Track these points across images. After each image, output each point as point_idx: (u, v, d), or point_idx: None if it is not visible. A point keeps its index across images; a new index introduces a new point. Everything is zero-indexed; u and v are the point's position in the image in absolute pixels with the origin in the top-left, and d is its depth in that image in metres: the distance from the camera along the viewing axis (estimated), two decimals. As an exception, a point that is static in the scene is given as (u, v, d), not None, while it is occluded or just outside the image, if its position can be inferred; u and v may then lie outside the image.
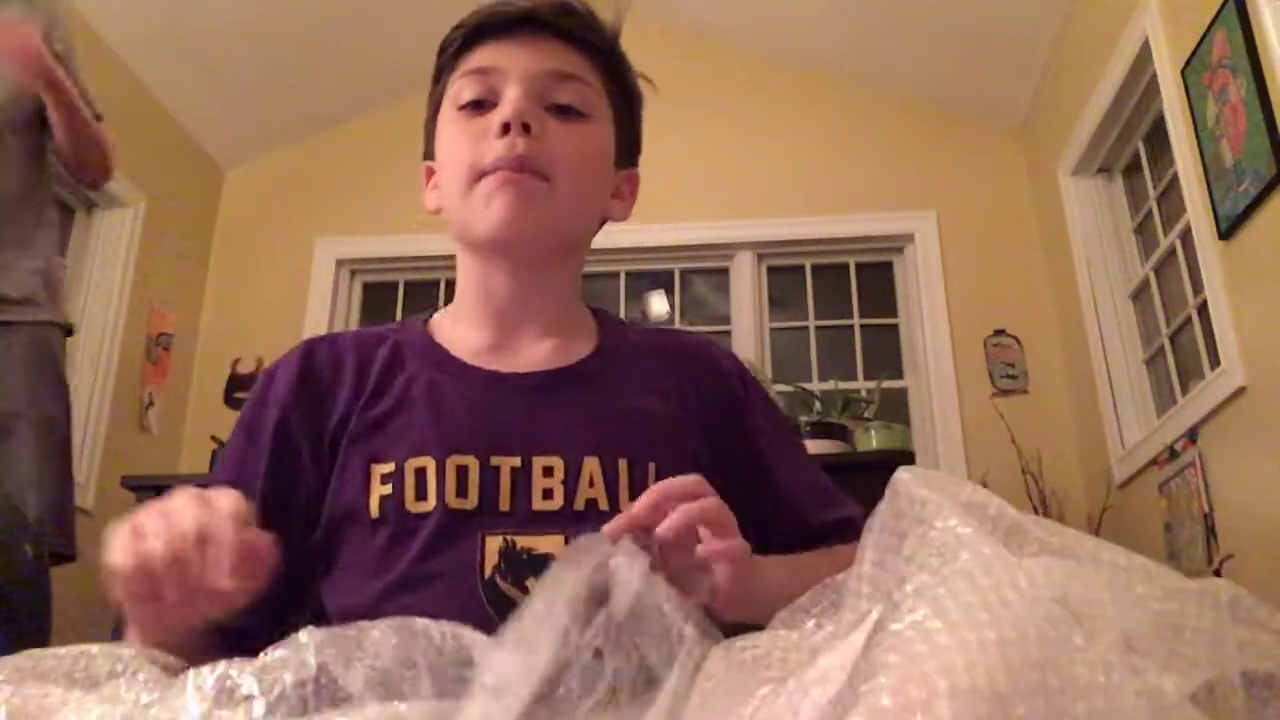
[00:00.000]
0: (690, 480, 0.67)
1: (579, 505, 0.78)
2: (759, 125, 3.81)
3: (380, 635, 0.51)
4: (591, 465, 0.79)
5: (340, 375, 0.84)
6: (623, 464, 0.80)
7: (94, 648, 0.54)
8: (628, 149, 0.93)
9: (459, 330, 0.88)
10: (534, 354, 0.86)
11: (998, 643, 0.36)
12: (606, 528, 0.64)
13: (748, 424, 0.89)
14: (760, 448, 0.88)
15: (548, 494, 0.78)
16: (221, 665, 0.47)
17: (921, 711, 0.35)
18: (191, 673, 0.48)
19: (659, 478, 0.78)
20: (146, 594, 0.59)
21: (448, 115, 0.85)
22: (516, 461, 0.79)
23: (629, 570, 0.56)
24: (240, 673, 0.47)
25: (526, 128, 0.80)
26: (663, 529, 0.64)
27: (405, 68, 3.55)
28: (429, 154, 0.90)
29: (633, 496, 0.77)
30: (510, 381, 0.84)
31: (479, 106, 0.83)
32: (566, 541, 0.75)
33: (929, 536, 0.43)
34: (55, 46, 1.89)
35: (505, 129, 0.80)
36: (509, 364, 0.85)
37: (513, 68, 0.83)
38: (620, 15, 0.91)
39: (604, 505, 0.78)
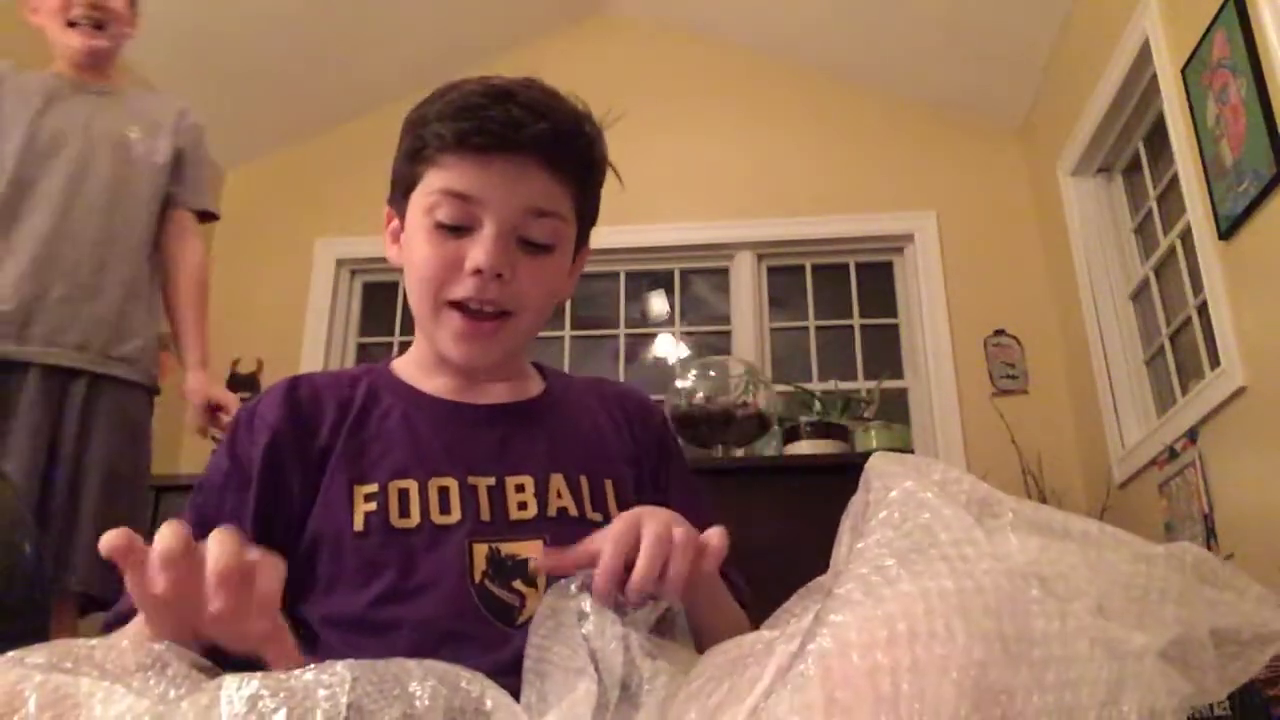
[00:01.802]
0: (662, 535, 0.70)
1: (552, 512, 0.86)
2: (759, 125, 3.81)
3: (418, 683, 0.52)
4: (558, 480, 0.87)
5: (322, 408, 0.90)
6: (584, 479, 0.88)
7: (125, 640, 0.55)
8: (583, 236, 0.95)
9: (423, 375, 0.94)
10: (493, 392, 0.94)
11: (956, 591, 0.38)
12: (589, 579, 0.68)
13: (669, 468, 0.99)
14: (664, 487, 0.97)
15: (522, 506, 0.85)
16: (256, 681, 0.48)
17: (884, 649, 0.37)
18: (227, 681, 0.48)
19: (617, 492, 0.90)
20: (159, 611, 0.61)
21: (421, 223, 0.87)
22: (491, 481, 0.86)
23: (604, 638, 0.59)
24: (274, 696, 0.46)
25: (497, 276, 0.85)
26: (630, 588, 0.68)
27: (406, 69, 3.55)
28: (392, 200, 0.93)
29: (594, 507, 0.88)
30: (478, 413, 0.92)
31: (456, 231, 0.86)
32: (546, 542, 0.83)
33: (890, 498, 0.45)
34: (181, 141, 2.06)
35: (477, 273, 0.84)
36: (470, 399, 0.93)
37: (492, 201, 0.85)
38: (603, 134, 0.92)
39: (573, 512, 0.86)
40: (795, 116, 3.81)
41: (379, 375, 0.95)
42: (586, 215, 0.94)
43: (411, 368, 0.95)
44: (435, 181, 0.86)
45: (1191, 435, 2.49)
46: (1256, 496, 2.22)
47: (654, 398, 1.10)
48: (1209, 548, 2.38)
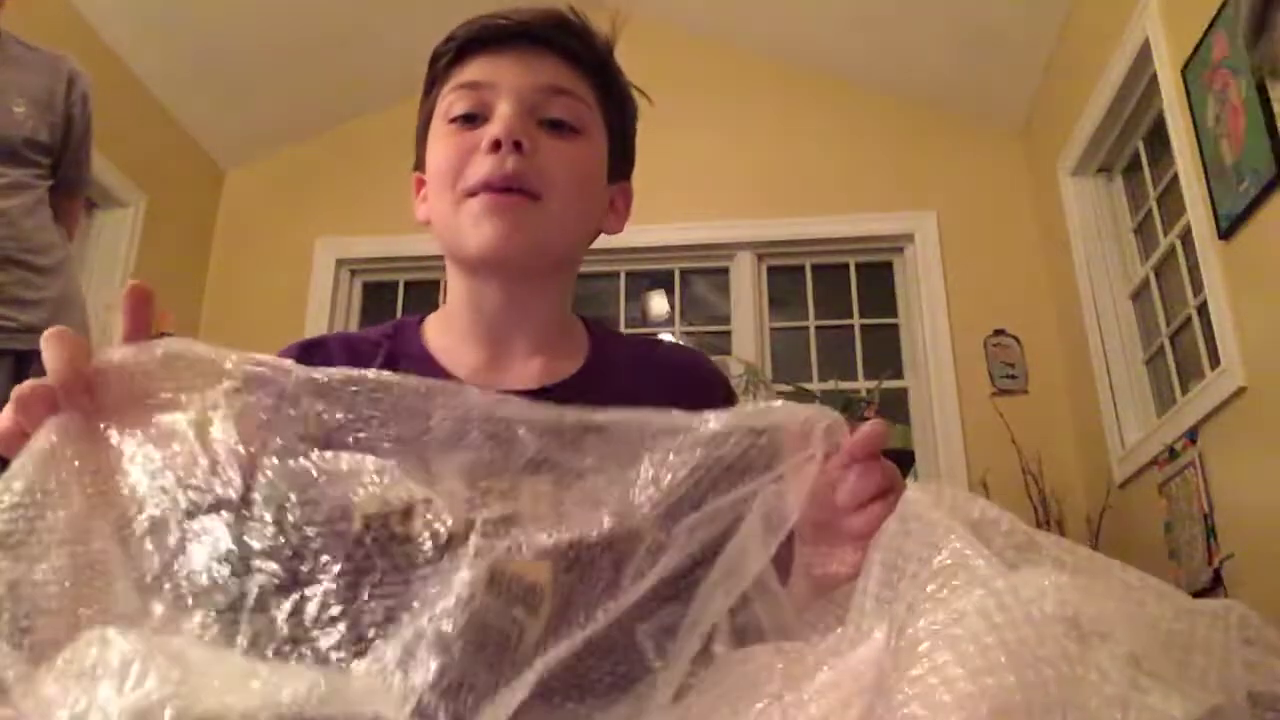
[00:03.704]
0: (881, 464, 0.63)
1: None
2: (759, 125, 3.81)
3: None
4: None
5: None
6: None
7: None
8: (620, 163, 0.91)
9: (451, 342, 0.87)
10: (524, 371, 0.85)
11: (1018, 686, 0.37)
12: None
13: None
14: None
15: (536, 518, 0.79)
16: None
17: None
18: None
19: None
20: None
21: (439, 128, 0.84)
22: (505, 485, 0.78)
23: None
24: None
25: (518, 145, 0.79)
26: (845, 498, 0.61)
27: (406, 68, 3.54)
28: (419, 165, 0.89)
29: (620, 524, 0.80)
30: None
31: (470, 120, 0.81)
32: (555, 568, 0.75)
33: (938, 564, 0.44)
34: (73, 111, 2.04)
35: (496, 146, 0.78)
36: (499, 381, 0.84)
37: (505, 82, 0.81)
38: (616, 29, 0.90)
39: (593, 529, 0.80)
40: (795, 116, 3.81)
41: (404, 339, 0.88)
42: (615, 130, 0.89)
43: (440, 332, 0.88)
44: (449, 88, 0.83)
45: (1191, 435, 2.49)
46: (1256, 496, 2.22)
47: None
48: (1209, 548, 2.37)
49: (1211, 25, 2.30)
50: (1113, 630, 0.40)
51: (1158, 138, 2.85)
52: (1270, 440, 2.15)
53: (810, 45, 3.74)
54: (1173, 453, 2.59)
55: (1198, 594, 2.36)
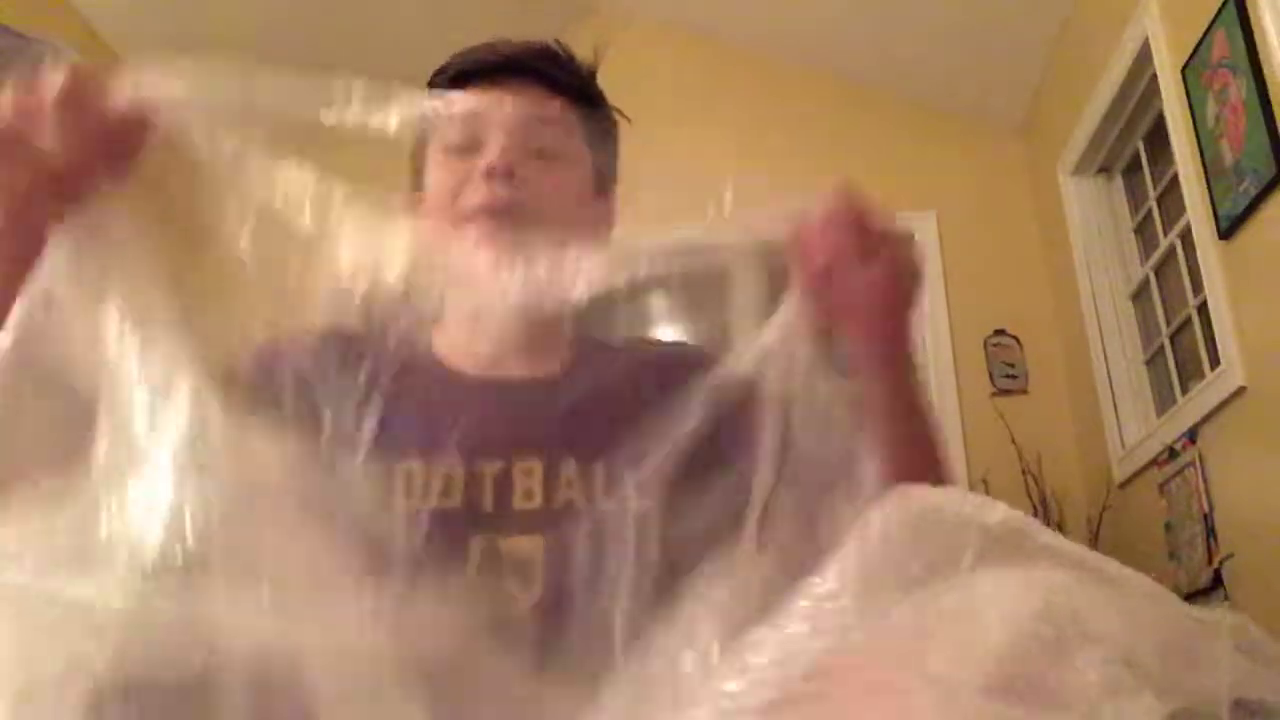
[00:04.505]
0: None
1: (557, 505, 0.81)
2: (759, 125, 3.80)
3: None
4: (569, 468, 0.82)
5: None
6: (599, 467, 0.82)
7: None
8: (603, 179, 0.97)
9: (447, 335, 0.91)
10: (518, 364, 0.90)
11: (977, 688, 0.37)
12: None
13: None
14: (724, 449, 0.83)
15: (528, 494, 0.81)
16: None
17: None
18: None
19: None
20: None
21: (434, 157, 0.89)
22: (499, 465, 0.82)
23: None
24: None
25: (510, 173, 0.84)
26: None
27: (405, 70, 3.55)
28: (416, 186, 0.94)
29: (608, 498, 0.81)
30: (494, 388, 0.88)
31: (464, 150, 0.87)
32: (546, 542, 0.78)
33: (915, 569, 0.44)
34: None
35: (490, 174, 0.84)
36: (493, 371, 0.89)
37: (496, 115, 0.87)
38: (599, 53, 0.97)
39: (581, 505, 0.81)
40: (795, 116, 3.80)
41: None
42: (599, 149, 0.95)
43: (440, 329, 0.93)
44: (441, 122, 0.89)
45: (1191, 435, 2.49)
46: (1256, 496, 2.22)
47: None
48: (1209, 548, 2.37)
49: (1211, 25, 2.30)
50: (1108, 630, 0.40)
51: (1158, 138, 2.85)
52: (1270, 440, 2.15)
53: (810, 46, 3.73)
54: (1173, 453, 2.59)
55: (1198, 594, 2.36)
